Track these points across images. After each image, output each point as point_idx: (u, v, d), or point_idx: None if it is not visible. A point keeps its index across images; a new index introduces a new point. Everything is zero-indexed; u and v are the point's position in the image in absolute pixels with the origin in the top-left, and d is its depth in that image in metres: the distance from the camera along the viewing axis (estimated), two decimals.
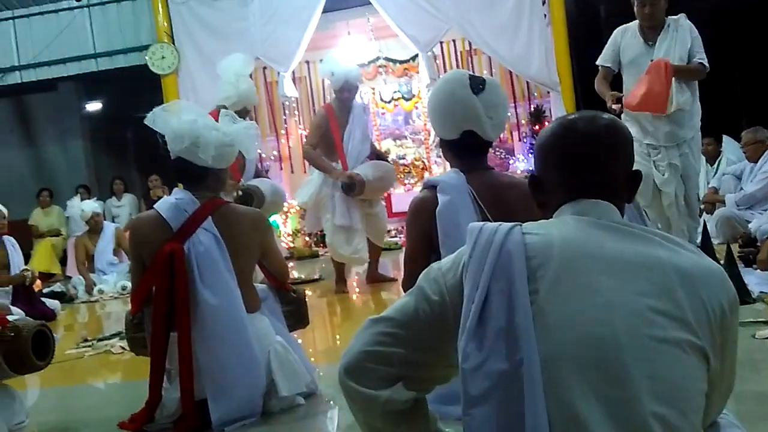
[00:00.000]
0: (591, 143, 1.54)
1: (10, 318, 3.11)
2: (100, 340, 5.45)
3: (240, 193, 5.69)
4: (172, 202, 3.16)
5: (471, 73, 2.81)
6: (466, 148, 2.76)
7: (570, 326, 1.35)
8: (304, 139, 10.95)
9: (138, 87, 10.56)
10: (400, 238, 9.60)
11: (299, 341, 3.84)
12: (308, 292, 6.65)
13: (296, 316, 3.53)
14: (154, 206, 3.20)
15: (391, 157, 10.03)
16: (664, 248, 1.43)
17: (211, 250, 3.08)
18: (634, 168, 1.60)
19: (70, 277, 9.28)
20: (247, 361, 3.07)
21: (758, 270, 4.69)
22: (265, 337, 3.20)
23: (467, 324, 1.41)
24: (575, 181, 1.54)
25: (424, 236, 2.70)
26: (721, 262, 4.37)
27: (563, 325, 1.35)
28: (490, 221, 2.47)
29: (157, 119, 3.22)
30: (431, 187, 2.76)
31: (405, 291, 2.65)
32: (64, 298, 8.22)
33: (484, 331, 1.39)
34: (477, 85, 2.70)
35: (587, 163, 1.54)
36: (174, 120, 3.18)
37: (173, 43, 9.61)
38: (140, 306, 3.20)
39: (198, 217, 3.12)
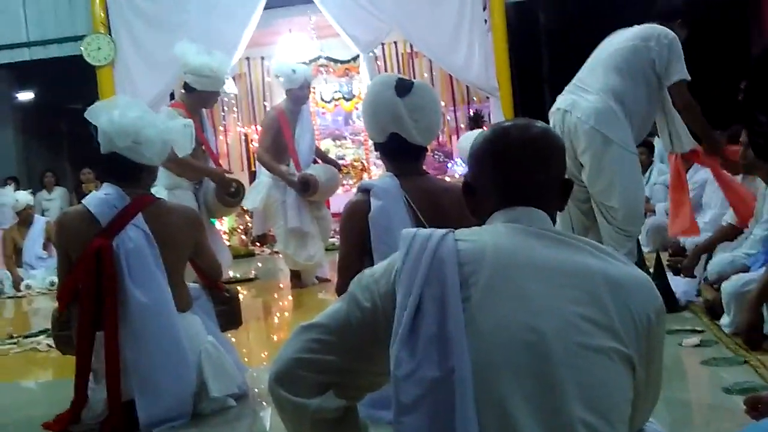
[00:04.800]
0: (523, 150, 1.55)
1: None
2: (26, 337, 5.31)
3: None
4: (101, 197, 3.09)
5: (402, 76, 2.82)
6: (395, 151, 2.77)
7: (501, 333, 1.35)
8: (242, 137, 11.08)
9: (73, 78, 10.28)
10: (337, 238, 9.58)
11: (232, 340, 3.80)
12: (243, 292, 6.59)
13: (229, 316, 3.49)
14: (83, 201, 3.13)
15: (330, 156, 10.01)
16: (594, 257, 1.45)
17: (140, 246, 3.02)
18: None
19: None
20: (176, 361, 3.02)
21: (685, 278, 4.80)
22: (196, 336, 3.15)
23: (400, 331, 1.39)
24: (507, 188, 1.55)
25: (358, 240, 2.70)
26: (651, 270, 4.46)
27: (494, 331, 1.35)
28: (424, 226, 2.51)
29: (98, 113, 3.14)
30: (365, 191, 2.75)
31: (339, 295, 2.64)
32: None
33: (417, 339, 1.38)
34: (403, 87, 2.71)
35: (519, 170, 1.55)
36: (116, 115, 3.10)
37: (110, 34, 9.39)
38: (67, 303, 3.11)
39: (128, 213, 3.05)
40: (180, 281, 3.20)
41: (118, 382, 2.94)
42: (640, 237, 5.68)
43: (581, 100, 4.19)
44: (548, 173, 1.57)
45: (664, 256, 5.38)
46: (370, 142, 10.52)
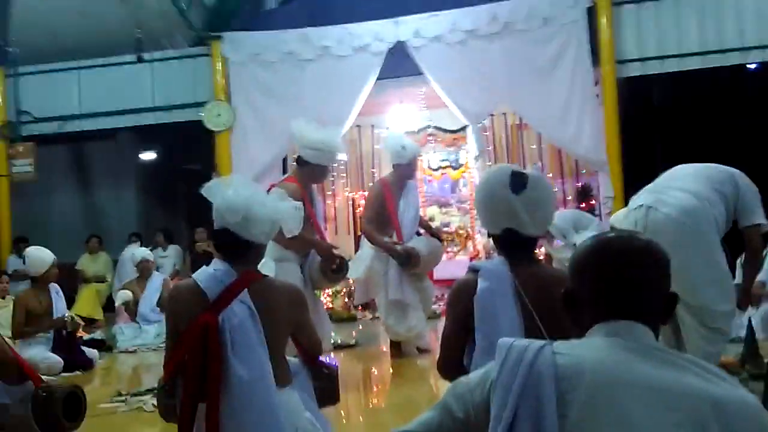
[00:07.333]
0: (626, 264, 1.53)
1: (44, 376, 3.14)
2: (134, 395, 5.48)
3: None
4: (211, 272, 3.19)
5: (516, 169, 2.78)
6: (509, 244, 2.76)
7: None
8: (350, 201, 11.28)
9: (192, 142, 10.79)
10: (440, 305, 9.52)
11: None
12: (341, 355, 6.65)
13: (327, 393, 3.49)
14: (193, 276, 3.24)
15: (435, 224, 10.04)
16: (699, 377, 1.41)
17: (245, 322, 3.09)
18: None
19: (113, 324, 9.35)
20: None
21: None
22: (293, 413, 3.17)
23: None
24: (608, 300, 1.53)
25: (462, 319, 2.71)
26: (766, 360, 4.25)
27: None
28: (532, 314, 2.49)
29: (214, 190, 3.26)
30: (474, 271, 2.77)
31: (439, 371, 2.72)
32: (103, 346, 8.29)
33: None
34: (518, 183, 2.69)
35: (621, 283, 1.53)
36: (230, 192, 3.21)
37: (229, 102, 9.83)
38: (172, 374, 3.20)
39: (234, 289, 3.13)
40: (281, 357, 3.24)
41: None
42: (754, 323, 5.45)
43: (667, 197, 4.19)
44: (651, 287, 1.54)
45: None
46: (475, 211, 10.52)
